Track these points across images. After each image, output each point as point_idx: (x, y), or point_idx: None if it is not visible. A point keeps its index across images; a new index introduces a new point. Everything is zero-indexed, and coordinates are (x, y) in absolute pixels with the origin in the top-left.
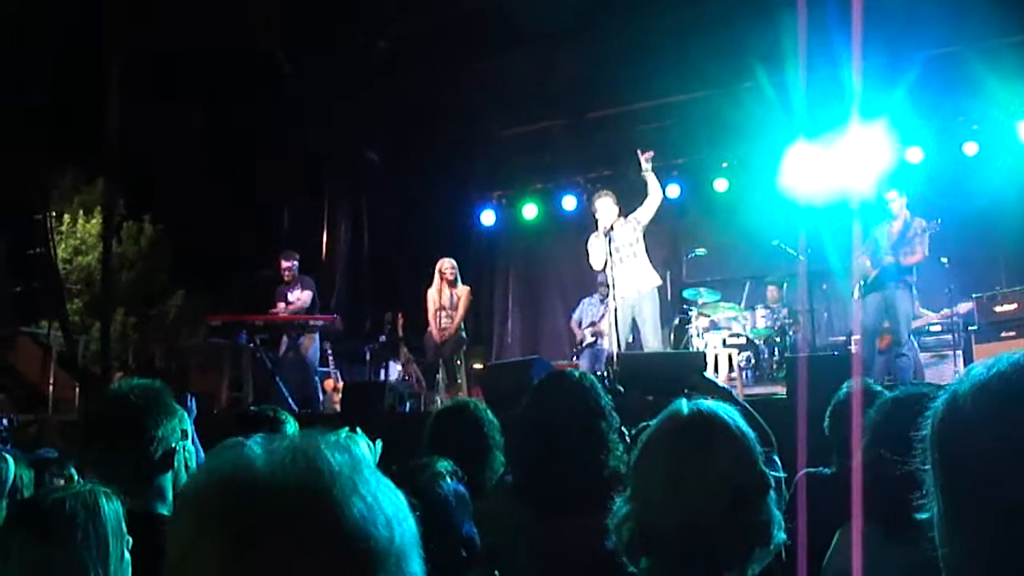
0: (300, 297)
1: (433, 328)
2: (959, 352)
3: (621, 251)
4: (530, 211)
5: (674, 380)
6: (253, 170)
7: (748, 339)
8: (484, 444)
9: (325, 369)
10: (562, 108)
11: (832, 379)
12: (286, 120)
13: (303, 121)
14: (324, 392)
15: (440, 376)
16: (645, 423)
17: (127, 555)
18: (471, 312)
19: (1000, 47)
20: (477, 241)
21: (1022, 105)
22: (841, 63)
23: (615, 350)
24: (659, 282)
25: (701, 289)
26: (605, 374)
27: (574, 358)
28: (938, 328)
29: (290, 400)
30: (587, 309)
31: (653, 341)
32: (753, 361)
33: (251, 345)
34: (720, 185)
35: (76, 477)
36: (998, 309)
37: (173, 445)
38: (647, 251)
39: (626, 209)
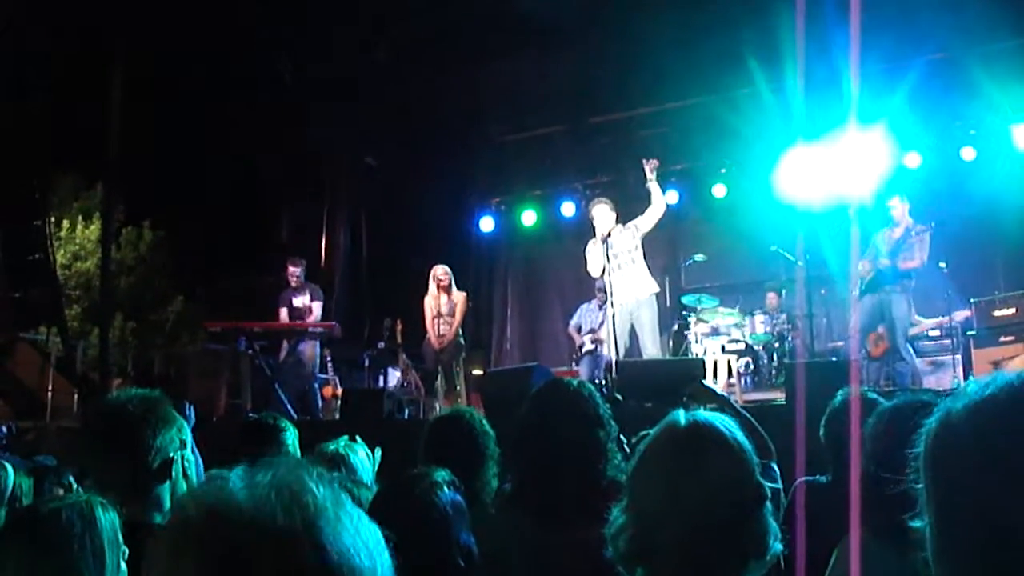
0: (309, 307)
1: (431, 335)
2: (958, 357)
3: (619, 257)
4: (529, 217)
5: (673, 387)
6: (252, 177)
7: (747, 345)
8: (479, 453)
9: (324, 376)
10: (561, 114)
11: (831, 385)
12: (285, 126)
13: (302, 128)
14: (323, 399)
15: (439, 383)
16: (644, 432)
17: (123, 566)
18: (470, 318)
19: (997, 51)
20: (476, 247)
21: (1019, 109)
22: (839, 68)
23: (614, 357)
24: (657, 289)
25: (700, 295)
26: (604, 382)
27: (574, 364)
28: (937, 333)
29: (289, 407)
30: (586, 315)
31: (652, 348)
32: (752, 367)
33: (250, 351)
34: (719, 191)
35: (75, 485)
36: (996, 313)
37: (171, 455)
38: (646, 258)
39: (624, 215)
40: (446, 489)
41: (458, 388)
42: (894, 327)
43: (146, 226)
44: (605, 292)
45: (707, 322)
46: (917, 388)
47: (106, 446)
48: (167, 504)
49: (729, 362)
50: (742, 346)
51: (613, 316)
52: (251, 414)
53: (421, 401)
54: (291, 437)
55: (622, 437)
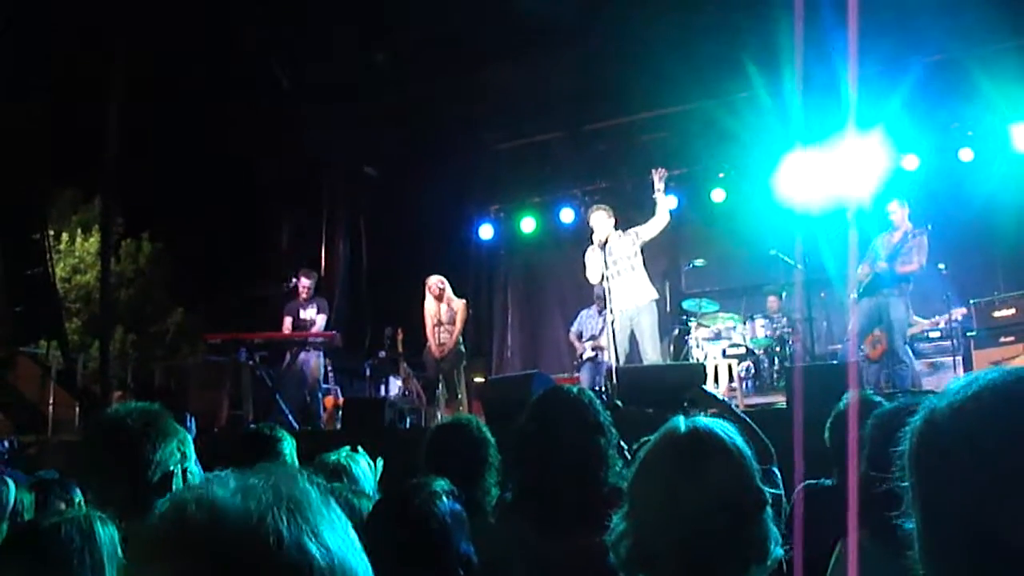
0: (314, 320)
1: (432, 343)
2: (958, 358)
3: (619, 263)
4: (528, 224)
5: (674, 393)
6: (251, 187)
7: (748, 349)
8: (480, 461)
9: (326, 386)
10: (559, 120)
11: (832, 388)
12: (284, 137)
13: (300, 136)
14: (324, 409)
15: (440, 391)
16: (645, 438)
17: None
18: (471, 326)
19: (993, 52)
20: (476, 255)
21: (1016, 109)
22: (837, 72)
23: (614, 363)
24: (656, 296)
25: (700, 300)
26: (604, 388)
27: (575, 371)
28: (937, 335)
29: (291, 417)
30: (586, 322)
31: (652, 353)
32: (753, 371)
33: (251, 362)
34: (718, 195)
35: (80, 499)
36: (996, 314)
37: (171, 468)
38: (645, 265)
39: (622, 221)
40: (445, 499)
41: (460, 396)
42: (892, 330)
43: (145, 238)
44: (603, 298)
45: (708, 327)
46: (918, 390)
47: (106, 460)
48: None
49: (730, 366)
50: (743, 350)
51: (612, 322)
52: (252, 425)
53: (423, 410)
54: (288, 447)
55: (623, 444)
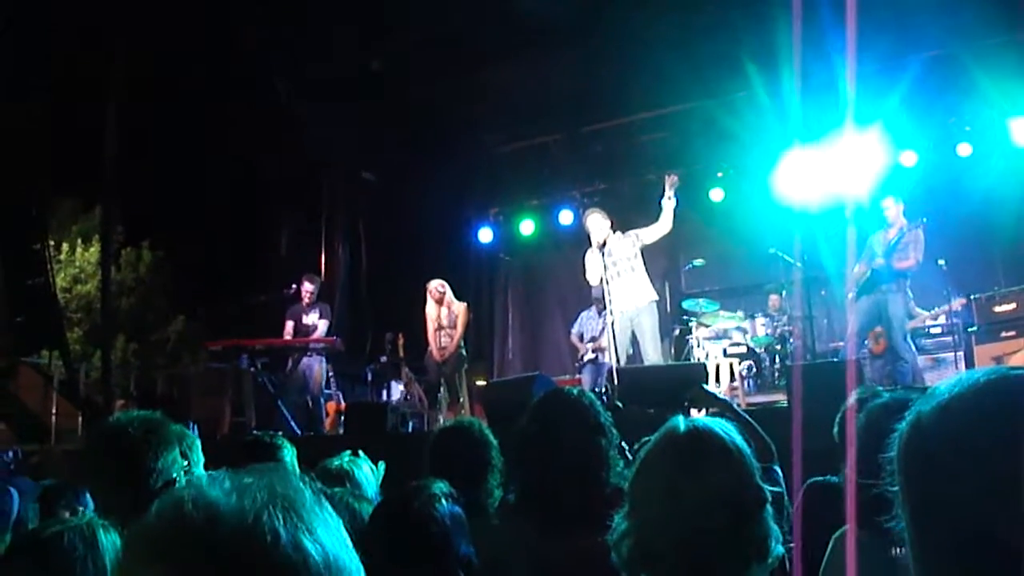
0: (316, 325)
1: (433, 347)
2: (959, 353)
3: (619, 265)
4: (527, 227)
5: (674, 393)
6: (250, 192)
7: (749, 348)
8: (483, 464)
9: (328, 391)
10: (558, 121)
11: (834, 386)
12: (283, 143)
13: (300, 140)
14: (326, 414)
15: (442, 395)
16: (645, 438)
17: None
18: (472, 329)
19: (990, 47)
20: (476, 259)
21: (1014, 104)
22: (835, 70)
23: (615, 364)
24: (656, 297)
25: (700, 300)
26: (606, 389)
27: (576, 373)
28: (938, 330)
29: (293, 424)
30: (587, 323)
31: (653, 354)
32: (755, 370)
33: (252, 369)
34: (716, 195)
35: (90, 506)
36: (997, 309)
37: (174, 475)
38: (645, 266)
39: (621, 222)
40: (444, 501)
41: (461, 399)
42: (891, 326)
43: (145, 247)
44: (602, 300)
45: (708, 326)
46: (910, 386)
47: (108, 468)
48: None
49: (731, 365)
50: (744, 349)
51: (613, 323)
52: (254, 431)
53: (425, 414)
54: (289, 455)
55: (624, 444)
